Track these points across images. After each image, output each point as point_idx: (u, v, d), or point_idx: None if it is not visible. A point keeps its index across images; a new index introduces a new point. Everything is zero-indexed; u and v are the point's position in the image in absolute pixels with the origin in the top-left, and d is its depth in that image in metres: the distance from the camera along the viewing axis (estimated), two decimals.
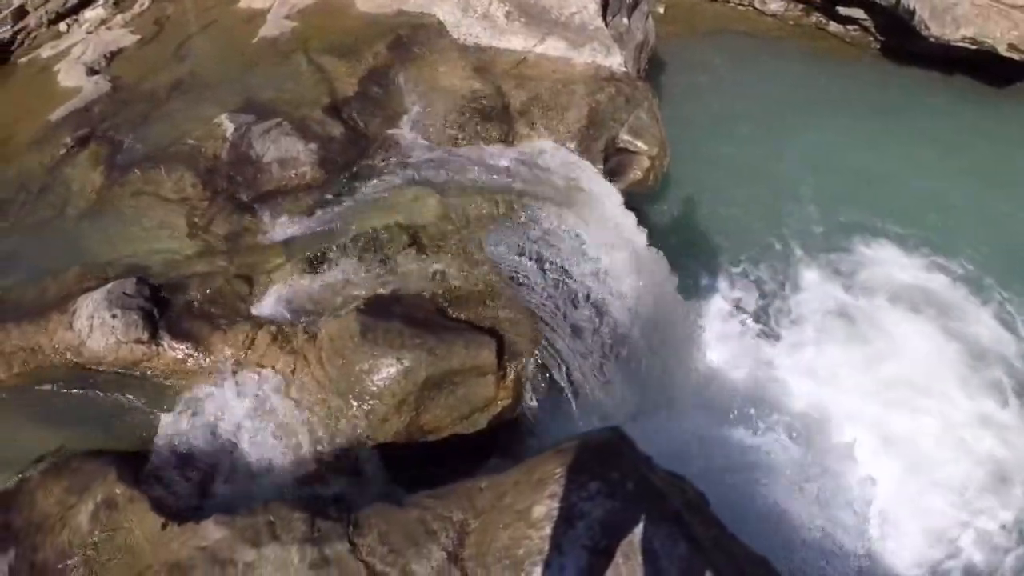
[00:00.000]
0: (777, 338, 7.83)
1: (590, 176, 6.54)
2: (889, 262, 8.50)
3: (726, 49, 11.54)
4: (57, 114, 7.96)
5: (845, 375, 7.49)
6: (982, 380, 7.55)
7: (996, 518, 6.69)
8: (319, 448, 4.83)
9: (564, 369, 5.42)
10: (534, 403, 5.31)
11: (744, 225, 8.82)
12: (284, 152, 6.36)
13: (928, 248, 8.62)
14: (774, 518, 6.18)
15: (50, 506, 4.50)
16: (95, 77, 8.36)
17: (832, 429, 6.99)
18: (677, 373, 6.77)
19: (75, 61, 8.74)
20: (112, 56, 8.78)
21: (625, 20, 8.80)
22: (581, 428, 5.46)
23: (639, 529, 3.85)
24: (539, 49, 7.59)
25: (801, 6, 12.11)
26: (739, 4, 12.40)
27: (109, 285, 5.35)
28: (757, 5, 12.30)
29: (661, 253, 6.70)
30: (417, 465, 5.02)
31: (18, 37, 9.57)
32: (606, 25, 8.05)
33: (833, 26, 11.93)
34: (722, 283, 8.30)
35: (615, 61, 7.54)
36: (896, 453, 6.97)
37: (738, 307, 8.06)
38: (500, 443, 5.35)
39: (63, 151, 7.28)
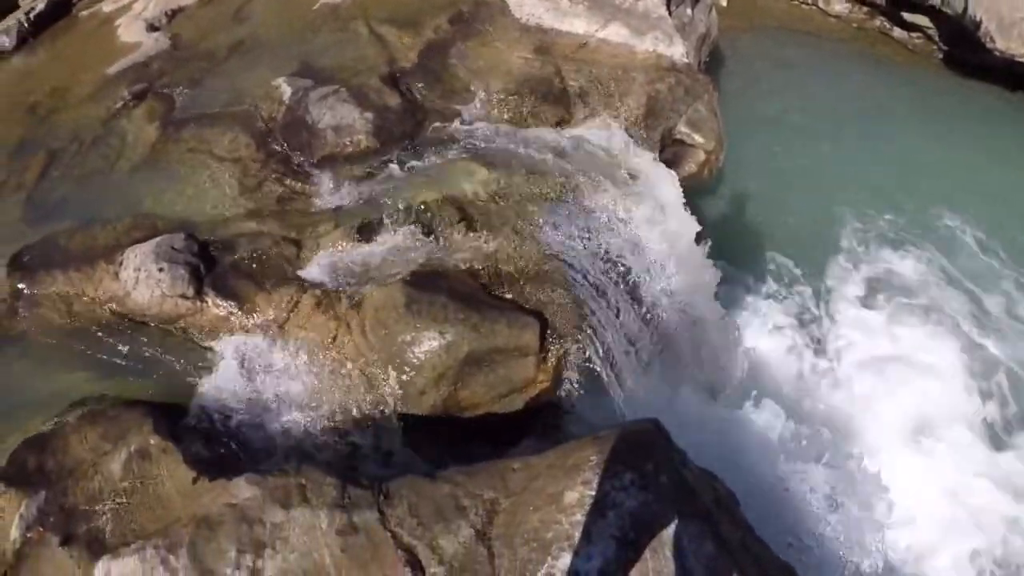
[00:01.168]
0: (818, 343, 7.69)
1: (647, 165, 6.46)
2: (941, 273, 8.32)
3: (787, 47, 11.35)
4: (115, 68, 8.04)
5: (886, 388, 7.36)
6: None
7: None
8: (355, 415, 4.83)
9: (605, 356, 5.36)
10: (573, 387, 5.26)
11: (794, 227, 8.64)
12: (340, 119, 6.36)
13: (981, 260, 8.44)
14: (797, 525, 6.11)
15: (84, 452, 4.54)
16: (155, 34, 8.43)
17: (864, 440, 6.87)
18: (714, 368, 6.70)
19: (136, 17, 8.82)
20: (173, 14, 8.84)
21: (689, 11, 8.69)
22: (617, 416, 5.41)
23: (670, 524, 3.82)
24: (601, 34, 7.51)
25: (866, 9, 11.89)
26: (803, 3, 12.20)
27: (158, 239, 5.40)
28: (821, 5, 12.09)
29: (707, 249, 6.62)
30: (450, 440, 5.01)
31: None
32: (669, 14, 7.95)
33: (897, 32, 11.70)
34: (767, 283, 8.15)
35: (677, 51, 7.45)
36: (931, 475, 6.85)
37: (781, 308, 7.93)
38: (535, 425, 5.30)
39: (119, 104, 7.37)
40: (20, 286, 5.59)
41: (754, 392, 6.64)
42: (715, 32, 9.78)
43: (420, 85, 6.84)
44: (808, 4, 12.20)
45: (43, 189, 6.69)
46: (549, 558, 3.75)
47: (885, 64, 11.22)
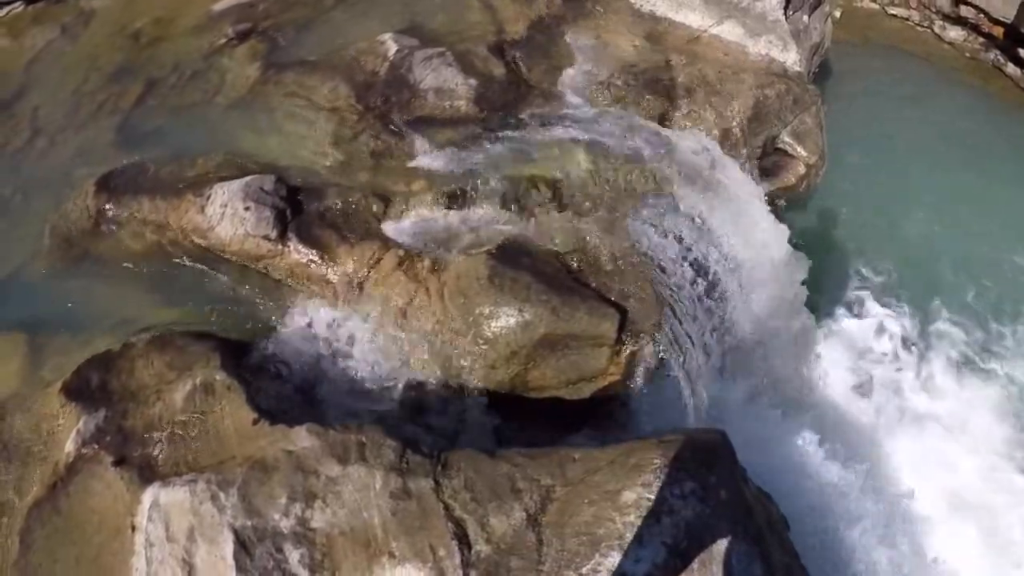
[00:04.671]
0: (900, 377, 7.50)
1: (745, 172, 6.32)
2: None
3: (896, 69, 11.03)
4: (221, 5, 8.07)
5: (957, 440, 7.15)
6: None
7: None
8: (422, 381, 4.81)
9: (680, 358, 5.24)
10: (642, 384, 5.15)
11: (886, 257, 8.44)
12: (443, 82, 6.30)
13: None
14: (843, 559, 5.98)
15: (148, 377, 4.59)
16: None
17: (926, 489, 6.70)
18: (787, 387, 6.57)
19: None
20: None
21: (805, 17, 8.45)
22: (682, 422, 5.30)
23: (722, 540, 3.78)
24: (715, 30, 7.35)
25: (981, 40, 11.52)
26: (918, 24, 11.87)
27: (248, 178, 5.40)
28: (936, 29, 11.75)
29: (800, 264, 6.46)
30: (510, 417, 4.95)
31: None
32: (786, 19, 7.74)
33: (1011, 68, 11.30)
34: (849, 310, 8.00)
35: (790, 58, 7.27)
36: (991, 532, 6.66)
37: (861, 339, 7.75)
38: (596, 415, 5.22)
39: (222, 41, 7.38)
40: (106, 207, 5.62)
41: (821, 420, 6.52)
42: (828, 43, 9.53)
43: (526, 59, 6.74)
44: (922, 26, 11.88)
45: (138, 116, 6.74)
46: (597, 555, 3.72)
47: (995, 100, 10.87)
